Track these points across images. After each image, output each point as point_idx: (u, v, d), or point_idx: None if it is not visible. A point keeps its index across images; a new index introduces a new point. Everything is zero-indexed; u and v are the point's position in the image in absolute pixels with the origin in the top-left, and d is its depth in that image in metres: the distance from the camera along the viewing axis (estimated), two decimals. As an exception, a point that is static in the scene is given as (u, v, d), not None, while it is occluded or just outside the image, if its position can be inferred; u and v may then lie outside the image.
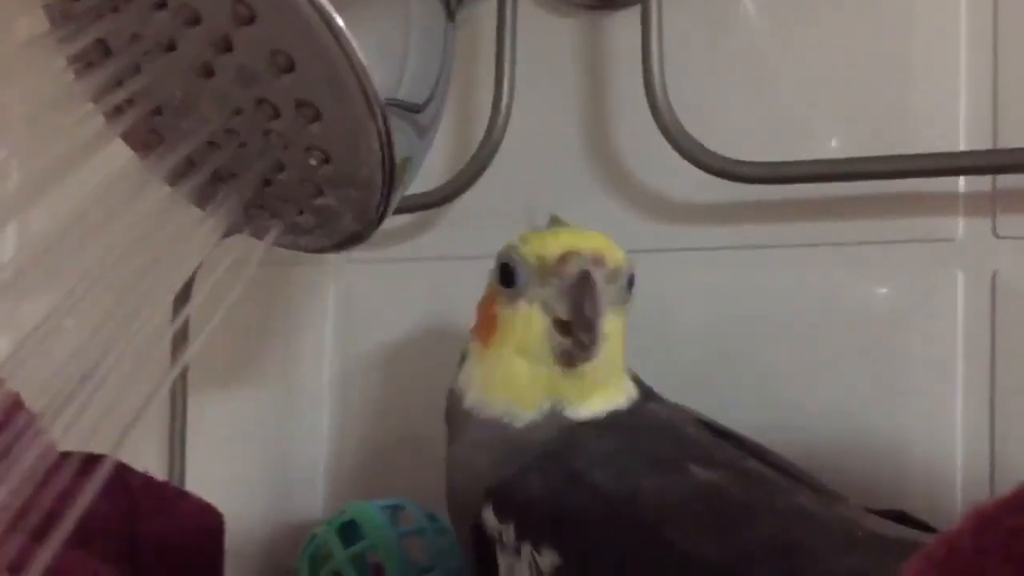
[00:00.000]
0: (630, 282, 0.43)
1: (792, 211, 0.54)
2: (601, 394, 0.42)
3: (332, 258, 0.70)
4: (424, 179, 0.60)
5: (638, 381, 0.45)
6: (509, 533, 0.38)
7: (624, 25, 0.59)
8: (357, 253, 0.68)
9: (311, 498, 0.69)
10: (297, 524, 0.69)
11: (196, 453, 0.72)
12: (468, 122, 0.63)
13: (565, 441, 0.40)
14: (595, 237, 0.42)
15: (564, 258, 0.40)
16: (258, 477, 0.71)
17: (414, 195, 0.61)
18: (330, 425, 0.69)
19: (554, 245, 0.41)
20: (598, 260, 0.40)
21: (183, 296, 0.53)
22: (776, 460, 0.40)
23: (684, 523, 0.35)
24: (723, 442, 0.41)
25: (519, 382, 0.42)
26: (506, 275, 0.42)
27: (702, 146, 0.52)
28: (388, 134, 0.35)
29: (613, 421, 0.41)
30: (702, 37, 0.57)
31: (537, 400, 0.41)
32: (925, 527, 0.38)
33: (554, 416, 0.41)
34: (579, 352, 0.40)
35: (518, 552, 0.37)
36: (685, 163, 0.52)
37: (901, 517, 0.39)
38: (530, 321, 0.41)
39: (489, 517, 0.39)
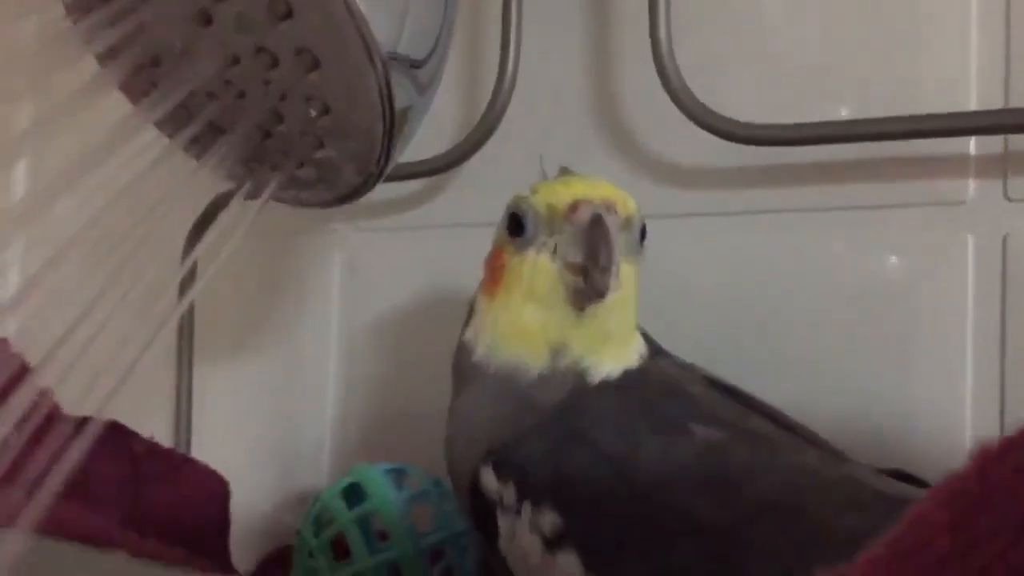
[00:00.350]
0: (642, 233, 0.42)
1: (800, 175, 0.53)
2: (612, 348, 0.41)
3: (338, 227, 0.69)
4: (430, 145, 0.60)
5: (648, 338, 0.44)
6: (510, 493, 0.37)
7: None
8: (363, 221, 0.68)
9: (316, 465, 0.69)
10: (302, 491, 0.69)
11: (202, 421, 0.72)
12: (473, 86, 0.63)
13: (571, 401, 0.40)
14: (606, 186, 0.41)
15: (575, 205, 0.39)
16: (264, 445, 0.71)
17: (420, 161, 0.60)
18: (336, 393, 0.69)
19: (565, 194, 0.40)
20: (610, 207, 0.39)
21: (191, 245, 0.53)
22: (784, 419, 0.40)
23: (683, 483, 0.35)
24: (730, 401, 0.40)
25: (528, 329, 0.41)
26: (515, 224, 0.41)
27: (709, 109, 0.51)
28: (388, 83, 0.34)
29: (623, 382, 0.41)
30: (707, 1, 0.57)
31: (545, 348, 0.40)
32: (928, 485, 0.38)
33: (563, 370, 0.40)
34: (593, 293, 0.38)
35: (519, 513, 0.37)
36: (693, 127, 0.52)
37: (904, 477, 0.38)
38: (539, 267, 0.40)
39: (489, 478, 0.38)
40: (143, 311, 0.39)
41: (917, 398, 0.50)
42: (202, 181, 0.40)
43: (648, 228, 0.43)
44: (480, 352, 0.42)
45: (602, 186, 0.41)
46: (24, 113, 0.54)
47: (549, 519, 0.36)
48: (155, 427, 0.61)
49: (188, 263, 0.47)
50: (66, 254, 0.37)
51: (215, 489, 0.61)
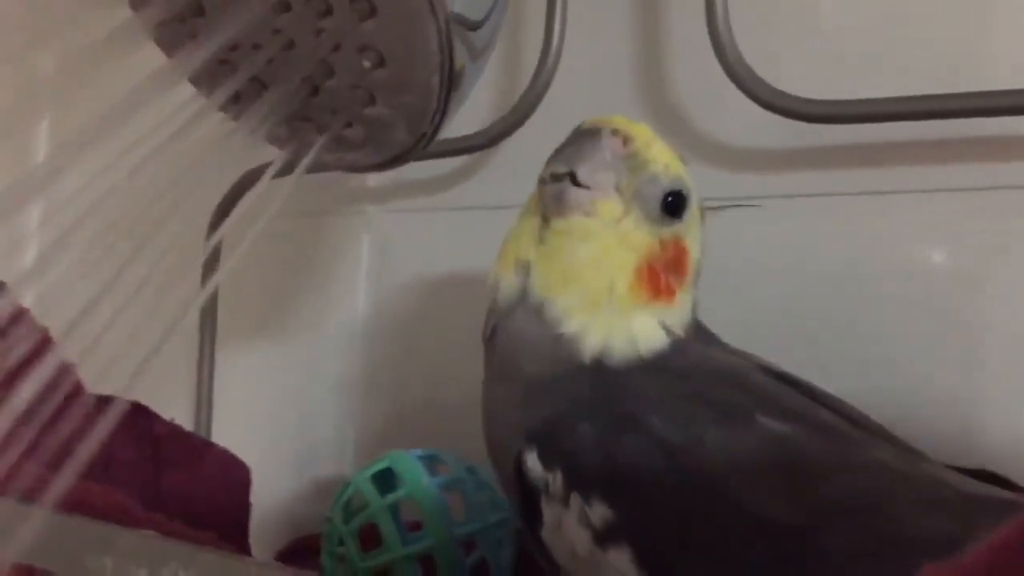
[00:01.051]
0: (671, 199, 0.39)
1: (864, 156, 0.51)
2: (586, 306, 0.38)
3: (368, 208, 0.67)
4: (467, 122, 0.58)
5: (701, 327, 0.41)
6: (556, 482, 0.35)
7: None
8: (394, 202, 0.66)
9: (340, 453, 0.67)
10: (325, 479, 0.67)
11: (224, 405, 0.70)
12: (515, 61, 0.61)
13: (617, 380, 0.37)
14: (644, 130, 0.39)
15: (586, 123, 0.38)
16: (286, 431, 0.69)
17: (457, 138, 0.58)
18: (361, 379, 0.67)
19: (598, 121, 0.38)
20: (624, 136, 0.38)
21: (217, 221, 0.51)
22: (851, 412, 0.37)
23: (753, 478, 0.33)
24: (792, 391, 0.37)
25: (509, 237, 0.40)
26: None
27: (769, 85, 0.49)
28: (449, 32, 0.32)
29: (659, 364, 0.38)
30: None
31: (512, 261, 0.39)
32: (1015, 487, 0.35)
33: (529, 304, 0.38)
34: (551, 198, 0.37)
35: (566, 503, 0.34)
36: (749, 105, 0.50)
37: (988, 477, 0.36)
38: (538, 184, 0.39)
39: (534, 463, 0.36)
40: (166, 290, 0.37)
41: (983, 394, 0.48)
42: (234, 150, 0.38)
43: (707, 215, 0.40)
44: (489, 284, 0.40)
45: (638, 126, 0.39)
46: (47, 64, 0.52)
47: (600, 512, 0.33)
48: (175, 411, 0.60)
49: (213, 241, 0.45)
50: (86, 223, 0.35)
51: (237, 475, 0.60)
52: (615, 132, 0.38)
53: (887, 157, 0.51)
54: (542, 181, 0.38)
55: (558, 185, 0.37)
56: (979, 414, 0.48)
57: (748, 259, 0.54)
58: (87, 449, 0.33)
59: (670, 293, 0.39)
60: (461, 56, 0.35)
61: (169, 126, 0.36)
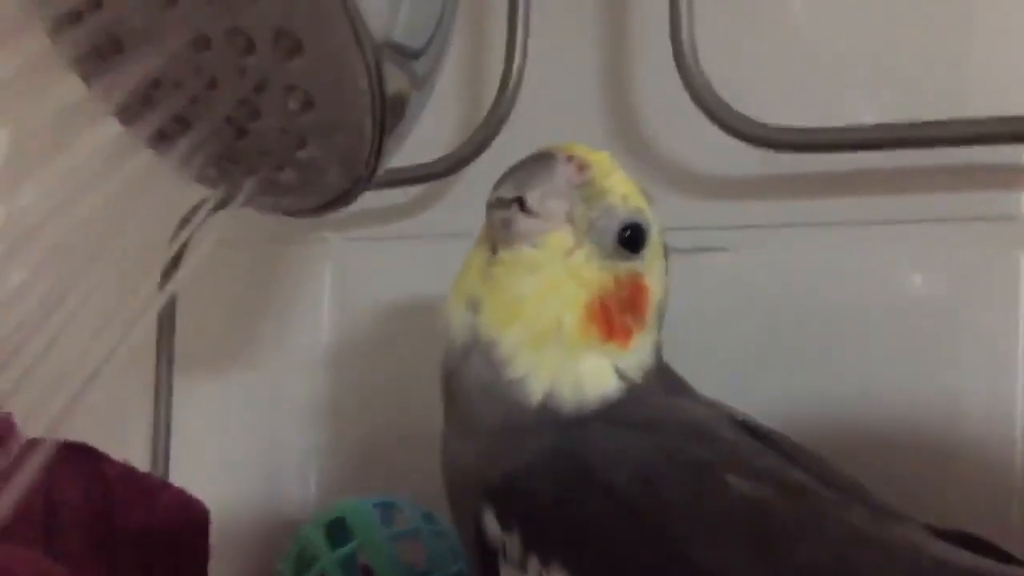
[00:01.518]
0: (627, 233, 0.36)
1: (833, 185, 0.49)
2: (534, 347, 0.35)
3: (328, 235, 0.65)
4: (428, 149, 0.56)
5: (669, 372, 0.39)
6: (513, 543, 0.33)
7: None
8: (355, 230, 0.64)
9: (302, 491, 0.65)
10: (287, 518, 0.65)
11: (182, 442, 0.68)
12: (476, 85, 0.59)
13: (575, 431, 0.35)
14: (603, 158, 0.37)
15: (543, 147, 0.36)
16: (247, 469, 0.67)
17: (416, 165, 0.56)
18: (324, 414, 0.65)
19: (550, 145, 0.37)
20: (573, 160, 0.36)
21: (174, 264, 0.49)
22: (825, 469, 0.35)
23: (718, 542, 0.31)
24: (763, 447, 0.35)
25: (460, 271, 0.38)
26: None
27: (736, 112, 0.47)
28: (379, 70, 0.30)
29: (616, 413, 0.35)
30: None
31: (463, 299, 0.37)
32: (1001, 553, 0.33)
33: (478, 346, 0.36)
34: (499, 224, 0.35)
35: (524, 566, 0.32)
36: (715, 131, 0.48)
37: (971, 541, 0.33)
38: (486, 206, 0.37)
39: (491, 523, 0.33)
40: (113, 319, 0.35)
41: (962, 430, 0.46)
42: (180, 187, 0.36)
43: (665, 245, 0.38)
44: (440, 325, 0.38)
45: (598, 154, 0.37)
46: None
47: None
48: (132, 448, 0.58)
49: (165, 287, 0.43)
50: (20, 254, 0.33)
51: (194, 516, 0.58)
52: (571, 158, 0.36)
53: (858, 186, 0.49)
54: (489, 206, 0.36)
55: (505, 212, 0.35)
56: (959, 446, 0.46)
57: (715, 289, 0.52)
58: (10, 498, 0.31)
59: (625, 335, 0.37)
60: (397, 92, 0.32)
61: (99, 161, 0.34)
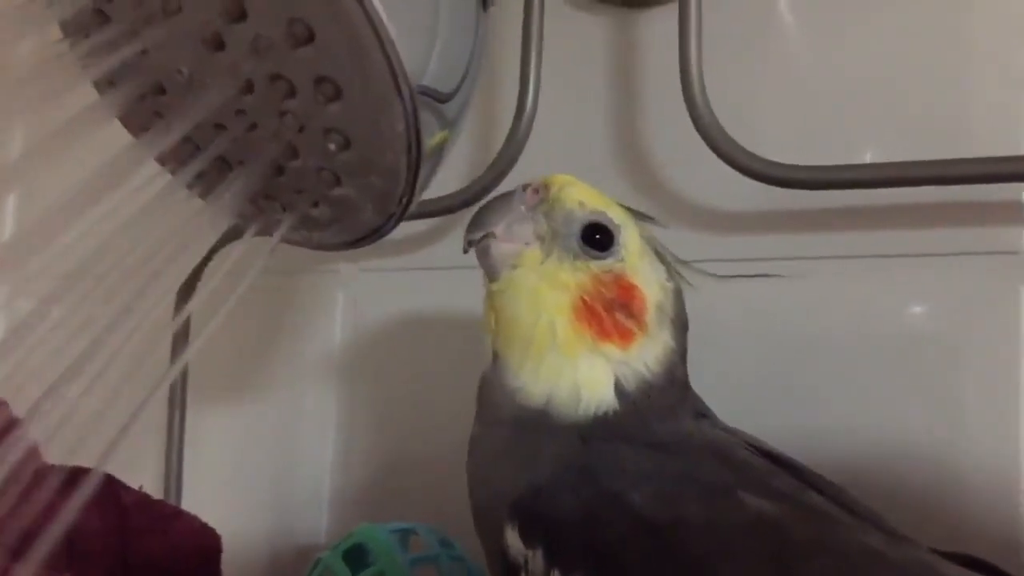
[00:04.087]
0: (591, 232, 0.39)
1: (838, 220, 0.50)
2: (533, 354, 0.38)
3: (342, 267, 0.66)
4: (441, 183, 0.57)
5: (695, 398, 0.40)
6: (536, 559, 0.33)
7: (657, 23, 0.56)
8: (368, 261, 0.65)
9: (314, 520, 0.65)
10: (299, 547, 0.65)
11: (194, 470, 0.69)
12: (489, 123, 0.60)
13: (590, 449, 0.36)
14: (563, 177, 0.40)
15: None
16: (259, 497, 0.68)
17: (431, 199, 0.57)
18: (336, 443, 0.65)
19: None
20: (528, 187, 0.40)
21: (185, 294, 0.50)
22: (837, 493, 0.36)
23: (736, 559, 0.31)
24: (779, 470, 0.36)
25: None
26: None
27: (745, 149, 0.48)
28: (415, 113, 0.31)
29: (616, 420, 0.37)
30: (736, 36, 0.54)
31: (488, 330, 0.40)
32: (1001, 574, 0.34)
33: (494, 358, 0.40)
34: (479, 250, 0.39)
35: None
36: (723, 168, 0.49)
37: (979, 564, 0.34)
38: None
39: (514, 539, 0.34)
40: (136, 363, 0.36)
41: (964, 460, 0.47)
42: (202, 222, 0.37)
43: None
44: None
45: (559, 176, 0.41)
46: (14, 145, 0.51)
47: None
48: (144, 476, 0.58)
49: (182, 317, 0.44)
50: (55, 300, 0.34)
51: (207, 543, 0.58)
52: (525, 187, 0.40)
53: (863, 222, 0.50)
54: (464, 251, 0.40)
55: (481, 244, 0.39)
56: (961, 476, 0.47)
57: (723, 322, 0.52)
58: (53, 535, 0.32)
59: (624, 335, 0.38)
60: (430, 134, 0.34)
61: (137, 202, 0.35)
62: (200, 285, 0.47)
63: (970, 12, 0.50)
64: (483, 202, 0.41)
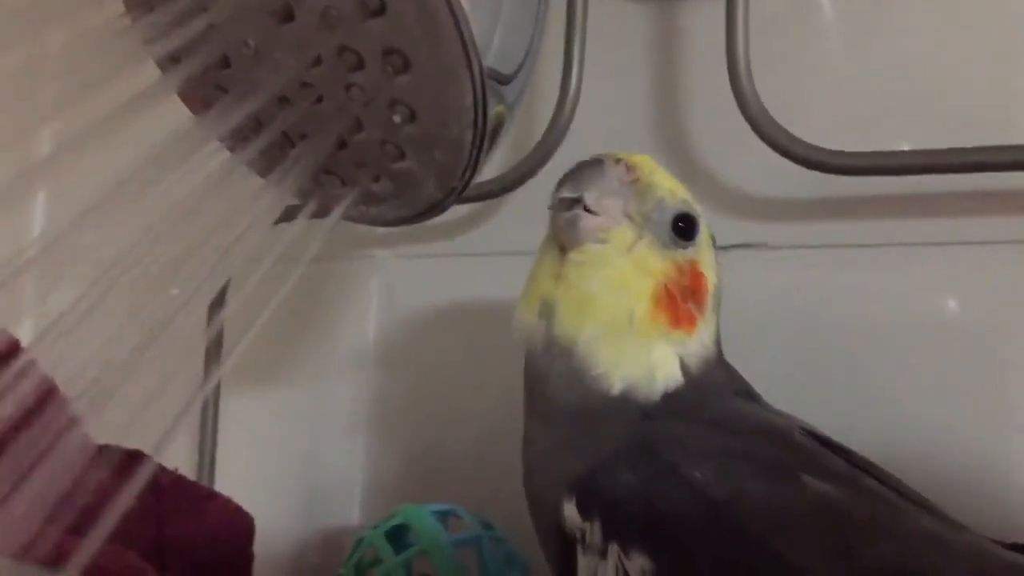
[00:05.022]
0: (680, 223, 0.39)
1: (888, 207, 0.50)
2: (610, 338, 0.37)
3: (377, 253, 0.66)
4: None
5: (742, 381, 0.41)
6: (594, 531, 0.34)
7: (701, 11, 0.56)
8: (403, 247, 0.65)
9: (347, 504, 0.65)
10: (331, 531, 0.65)
11: (227, 452, 0.69)
12: (532, 107, 0.60)
13: (652, 427, 0.36)
14: (646, 159, 0.40)
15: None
16: (292, 480, 0.68)
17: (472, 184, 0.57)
18: (369, 428, 0.66)
19: (595, 155, 0.39)
20: (620, 162, 0.38)
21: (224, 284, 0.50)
22: (890, 479, 0.36)
23: (796, 537, 0.32)
24: (832, 455, 0.36)
25: (530, 276, 0.40)
26: None
27: (793, 135, 0.48)
28: (483, 87, 0.31)
29: (678, 400, 0.37)
30: (777, 24, 0.54)
31: (537, 301, 0.38)
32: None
33: (558, 346, 0.38)
34: (565, 225, 0.37)
35: (603, 554, 0.33)
36: (769, 155, 0.49)
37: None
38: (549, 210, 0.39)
39: (571, 512, 0.35)
40: (179, 354, 0.36)
41: (1010, 452, 0.47)
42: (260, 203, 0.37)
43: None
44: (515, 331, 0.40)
45: (640, 156, 0.40)
46: (59, 126, 0.51)
47: (638, 563, 0.32)
48: (178, 458, 0.58)
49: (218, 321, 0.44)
50: (97, 285, 0.34)
51: (240, 525, 0.59)
52: (617, 161, 0.39)
53: (906, 209, 0.50)
54: (552, 208, 0.39)
55: (570, 213, 0.37)
56: (1006, 467, 0.47)
57: (765, 309, 0.53)
58: (114, 514, 0.32)
59: (690, 322, 0.39)
60: (495, 109, 0.34)
61: (194, 183, 0.35)
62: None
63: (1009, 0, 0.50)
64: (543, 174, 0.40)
